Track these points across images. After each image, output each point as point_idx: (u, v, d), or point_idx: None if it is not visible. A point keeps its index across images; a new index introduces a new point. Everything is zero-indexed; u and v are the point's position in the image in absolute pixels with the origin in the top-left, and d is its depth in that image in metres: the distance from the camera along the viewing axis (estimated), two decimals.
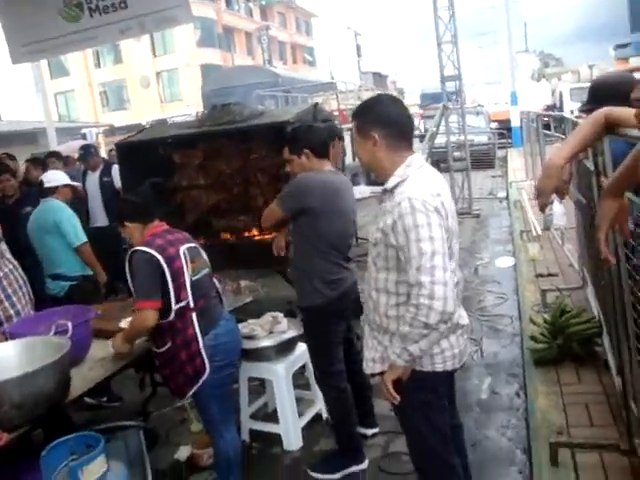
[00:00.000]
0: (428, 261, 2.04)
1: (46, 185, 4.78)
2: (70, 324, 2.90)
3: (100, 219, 7.34)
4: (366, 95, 16.30)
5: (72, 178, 6.61)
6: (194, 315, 2.99)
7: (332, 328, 3.45)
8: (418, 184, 2.19)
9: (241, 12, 44.42)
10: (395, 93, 56.05)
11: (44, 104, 13.08)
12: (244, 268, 6.48)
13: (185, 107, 32.68)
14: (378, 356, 2.36)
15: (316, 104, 6.02)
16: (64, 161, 7.98)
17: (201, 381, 2.99)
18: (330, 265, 3.37)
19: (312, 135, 3.44)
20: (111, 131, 26.29)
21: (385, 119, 2.28)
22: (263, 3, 46.10)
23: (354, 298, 3.61)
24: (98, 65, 41.55)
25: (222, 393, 3.14)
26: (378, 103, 2.36)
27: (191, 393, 3.06)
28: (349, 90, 17.06)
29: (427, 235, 2.07)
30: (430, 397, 2.35)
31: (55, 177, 4.85)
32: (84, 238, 4.76)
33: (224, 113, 5.88)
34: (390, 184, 2.25)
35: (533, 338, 4.38)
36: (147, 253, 2.91)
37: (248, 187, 6.03)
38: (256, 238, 6.25)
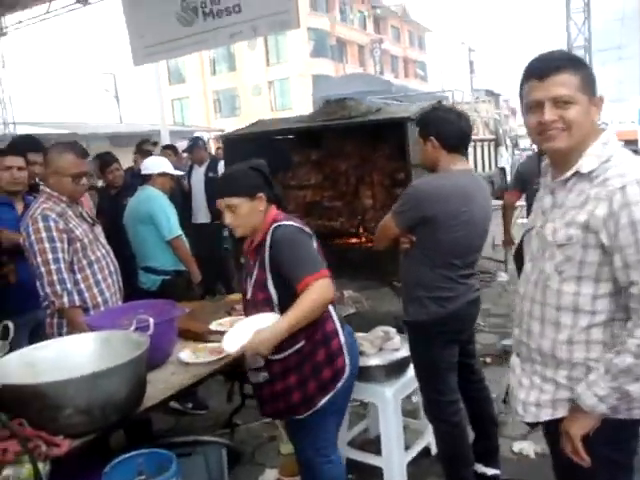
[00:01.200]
0: None
1: (143, 172, 4.49)
2: (152, 320, 2.49)
3: (202, 216, 7.11)
4: (483, 107, 15.50)
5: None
6: (331, 306, 2.47)
7: (438, 351, 2.89)
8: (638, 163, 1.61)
9: (355, 24, 44.39)
10: (508, 112, 54.33)
11: (160, 108, 13.66)
12: (348, 277, 6.01)
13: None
14: (547, 398, 1.77)
15: (440, 101, 5.45)
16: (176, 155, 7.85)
17: (339, 385, 2.44)
18: (442, 279, 2.81)
19: (443, 123, 2.86)
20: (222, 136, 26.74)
21: None
22: (378, 12, 45.88)
23: (472, 319, 3.04)
24: (214, 73, 42.76)
25: (345, 405, 2.64)
26: None
27: (321, 405, 2.45)
28: (465, 102, 16.27)
29: None
30: (620, 454, 1.74)
31: (153, 163, 4.53)
32: (178, 232, 4.38)
33: (338, 108, 5.47)
34: (587, 166, 1.66)
35: None
36: (297, 227, 2.44)
37: (359, 187, 5.56)
38: (364, 245, 5.77)
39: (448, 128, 2.85)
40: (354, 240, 5.91)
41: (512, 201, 5.49)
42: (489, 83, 55.67)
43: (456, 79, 50.06)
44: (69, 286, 2.92)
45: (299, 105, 35.24)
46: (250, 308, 2.50)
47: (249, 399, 3.92)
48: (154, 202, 4.34)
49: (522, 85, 1.74)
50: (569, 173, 1.70)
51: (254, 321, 2.36)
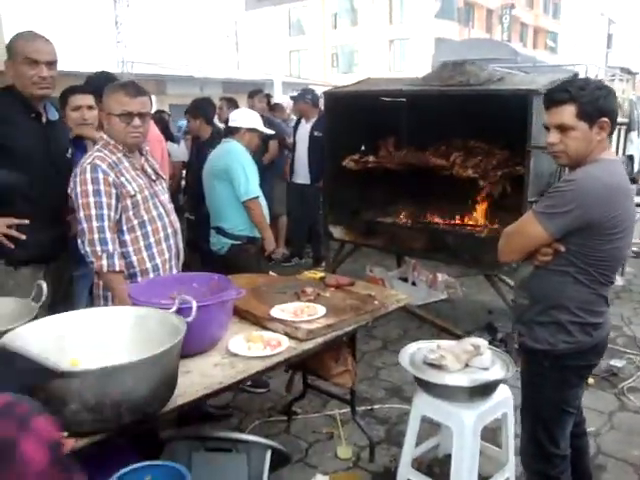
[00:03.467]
0: None
1: (230, 124, 4.09)
2: (195, 304, 2.09)
3: (302, 175, 6.69)
4: (619, 87, 14.13)
5: (276, 126, 6.04)
6: None
7: (570, 390, 2.33)
8: None
9: None
10: None
11: (276, 58, 13.66)
12: (444, 261, 5.49)
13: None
14: None
15: (576, 74, 4.71)
16: (272, 106, 7.46)
17: None
18: (597, 299, 2.25)
19: (611, 98, 2.21)
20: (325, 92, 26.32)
21: None
22: None
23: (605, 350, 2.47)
24: (335, 26, 41.98)
25: None
26: None
27: None
28: (598, 79, 14.87)
29: None
30: None
31: (244, 117, 4.11)
32: (255, 193, 3.95)
33: (456, 72, 4.88)
34: None
35: None
36: None
37: (468, 167, 4.94)
38: (468, 228, 5.21)
39: (615, 104, 2.25)
40: (454, 222, 5.36)
41: None
42: (627, 60, 51.57)
43: (590, 53, 46.72)
44: (110, 248, 2.59)
45: (419, 67, 34.12)
46: None
47: (311, 389, 3.56)
48: (235, 157, 3.95)
49: None
50: None
51: None
